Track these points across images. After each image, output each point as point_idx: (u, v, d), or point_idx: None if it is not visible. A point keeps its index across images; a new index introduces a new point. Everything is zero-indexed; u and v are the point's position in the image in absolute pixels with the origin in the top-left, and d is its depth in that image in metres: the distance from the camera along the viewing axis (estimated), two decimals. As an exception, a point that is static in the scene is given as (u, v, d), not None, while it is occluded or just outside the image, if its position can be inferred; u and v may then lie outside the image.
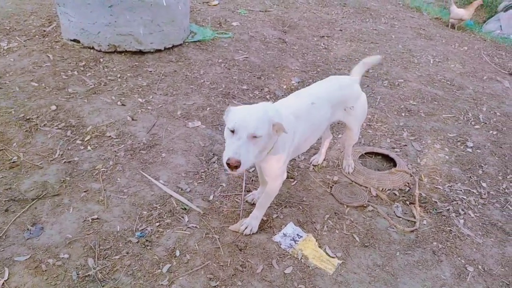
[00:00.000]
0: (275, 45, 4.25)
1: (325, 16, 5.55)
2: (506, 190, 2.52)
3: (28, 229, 1.86)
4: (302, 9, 5.72)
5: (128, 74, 3.24)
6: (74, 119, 2.63)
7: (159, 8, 3.42)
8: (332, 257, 1.88)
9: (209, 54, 3.77)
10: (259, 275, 1.77)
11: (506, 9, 8.08)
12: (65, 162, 2.27)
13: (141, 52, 3.55)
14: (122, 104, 2.84)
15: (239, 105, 1.74)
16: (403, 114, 3.31)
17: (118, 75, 3.21)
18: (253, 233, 1.95)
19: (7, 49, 3.45)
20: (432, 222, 2.17)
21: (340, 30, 5.06)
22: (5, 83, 2.93)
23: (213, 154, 2.50)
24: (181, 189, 2.20)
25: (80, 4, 3.29)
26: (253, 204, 2.11)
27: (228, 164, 1.42)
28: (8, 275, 1.65)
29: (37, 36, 3.73)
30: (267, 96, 3.24)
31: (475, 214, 2.29)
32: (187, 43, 3.88)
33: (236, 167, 1.42)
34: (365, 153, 2.69)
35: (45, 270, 1.68)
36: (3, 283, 1.62)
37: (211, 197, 2.17)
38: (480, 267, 1.94)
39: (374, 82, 3.79)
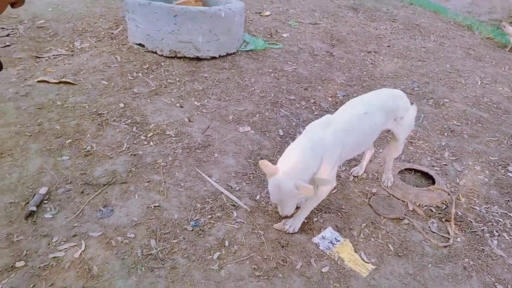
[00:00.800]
0: (323, 58, 4.43)
1: (373, 31, 5.66)
2: (545, 217, 2.56)
3: (100, 209, 2.15)
4: (351, 23, 5.86)
5: (186, 79, 3.54)
6: (139, 117, 2.93)
7: (217, 19, 3.70)
8: (367, 262, 2.04)
9: (260, 64, 4.00)
10: (298, 270, 1.95)
11: None
12: (131, 154, 2.57)
13: (198, 59, 3.84)
14: (180, 106, 3.13)
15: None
16: (445, 134, 3.38)
17: (177, 79, 3.51)
18: (294, 233, 2.14)
19: (80, 49, 3.85)
20: (465, 240, 2.27)
21: (388, 46, 5.16)
22: (80, 80, 3.29)
23: (260, 158, 2.71)
24: (231, 187, 2.43)
25: (148, 12, 3.62)
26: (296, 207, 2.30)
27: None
28: (85, 247, 1.93)
29: (106, 38, 4.12)
30: (313, 107, 3.42)
31: (510, 237, 2.36)
32: (239, 52, 4.14)
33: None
34: (405, 169, 2.81)
35: (115, 246, 1.96)
36: (80, 253, 1.90)
37: (257, 197, 2.38)
38: (510, 287, 2.03)
39: (419, 100, 3.88)
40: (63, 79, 3.24)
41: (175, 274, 1.86)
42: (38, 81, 3.18)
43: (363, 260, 2.05)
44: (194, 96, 3.30)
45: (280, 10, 5.82)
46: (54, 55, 3.68)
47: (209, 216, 2.21)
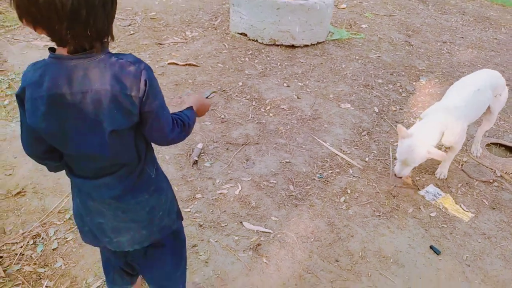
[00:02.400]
0: (402, 47, 4.81)
1: (445, 23, 5.93)
2: None
3: (245, 162, 2.73)
4: (423, 15, 6.15)
5: (286, 63, 4.06)
6: (255, 93, 3.49)
7: (313, 11, 4.19)
8: (467, 211, 2.48)
9: (346, 52, 4.46)
10: (410, 214, 2.43)
11: None
12: (257, 122, 3.13)
13: (293, 46, 4.36)
14: (287, 86, 3.66)
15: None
16: (524, 116, 3.70)
17: (278, 63, 4.04)
18: (445, 178, 2.71)
19: (192, 37, 4.48)
20: (551, 201, 2.65)
21: (462, 37, 5.43)
22: (201, 63, 3.91)
23: (362, 129, 3.19)
24: (343, 151, 2.93)
25: (253, 6, 4.18)
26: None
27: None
28: (241, 187, 2.51)
29: (210, 28, 4.73)
30: (399, 90, 3.84)
31: None
32: (327, 40, 4.61)
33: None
34: (491, 143, 3.19)
35: (263, 188, 2.52)
36: (239, 191, 2.48)
37: (366, 159, 2.87)
38: None
39: (496, 86, 4.18)
40: (188, 62, 3.87)
41: (314, 210, 2.40)
42: (169, 63, 3.83)
43: (463, 210, 2.49)
44: (296, 78, 3.82)
45: (354, 3, 6.22)
46: (172, 42, 4.33)
47: (330, 171, 2.72)
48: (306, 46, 4.41)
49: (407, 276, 2.02)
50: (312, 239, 2.18)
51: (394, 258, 2.12)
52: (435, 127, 2.42)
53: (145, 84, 0.97)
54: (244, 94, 3.47)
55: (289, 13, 4.12)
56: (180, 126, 1.14)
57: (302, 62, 4.12)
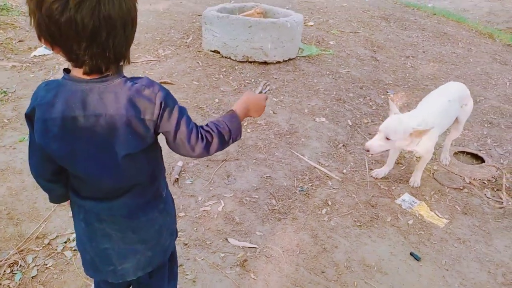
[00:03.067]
0: (369, 62, 5.01)
1: (407, 39, 6.24)
2: None
3: (226, 178, 2.74)
4: (385, 31, 6.45)
5: (259, 79, 4.14)
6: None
7: (284, 28, 4.32)
8: (441, 218, 2.59)
9: (317, 67, 4.60)
10: (389, 222, 2.51)
11: None
12: (235, 138, 3.16)
13: (265, 63, 4.45)
14: (263, 101, 3.72)
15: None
16: (485, 125, 3.93)
17: (252, 80, 4.11)
18: (418, 186, 2.84)
19: (165, 55, 4.48)
20: (516, 204, 2.81)
21: (423, 52, 5.73)
22: (175, 80, 3.92)
23: (337, 142, 3.29)
24: (321, 164, 3.00)
25: (226, 24, 4.25)
26: (376, 178, 2.87)
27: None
28: (223, 204, 2.51)
29: (182, 47, 4.76)
30: (370, 103, 4.00)
31: (551, 203, 2.89)
32: (298, 57, 4.74)
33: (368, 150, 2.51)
34: (458, 151, 3.37)
35: (246, 203, 2.54)
36: (222, 208, 2.48)
37: (344, 171, 2.95)
38: (556, 237, 2.56)
39: (458, 98, 4.43)
40: (162, 80, 3.86)
41: (297, 223, 2.43)
42: (143, 82, 3.80)
43: (438, 216, 2.60)
44: (271, 93, 3.90)
45: (321, 21, 6.44)
46: (145, 60, 4.31)
47: (310, 184, 2.78)
48: (279, 62, 4.51)
49: (391, 283, 2.08)
50: (297, 252, 2.21)
51: (378, 267, 2.18)
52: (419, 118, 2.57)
53: (160, 107, 0.97)
54: (220, 111, 3.49)
55: (261, 30, 4.22)
56: (205, 139, 1.09)
57: (275, 78, 4.21)
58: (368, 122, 3.65)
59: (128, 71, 4.03)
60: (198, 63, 4.32)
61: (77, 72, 0.94)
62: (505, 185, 2.95)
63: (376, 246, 2.32)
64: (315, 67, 4.60)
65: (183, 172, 2.75)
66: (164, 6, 6.32)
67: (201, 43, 4.79)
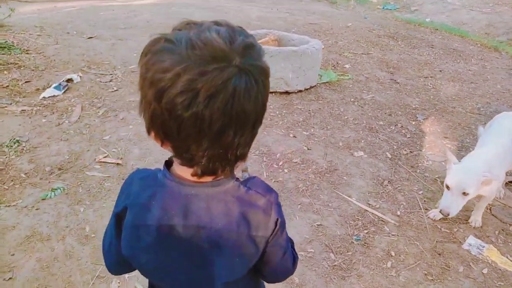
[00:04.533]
0: (390, 85, 4.85)
1: (419, 58, 6.12)
2: None
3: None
4: (396, 51, 6.33)
5: (284, 111, 3.92)
6: (264, 148, 3.29)
7: (306, 56, 4.13)
8: (516, 263, 2.36)
9: (340, 94, 4.41)
10: (462, 273, 2.27)
11: None
12: (274, 181, 2.92)
13: (287, 93, 4.25)
14: (294, 136, 3.50)
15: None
16: (525, 148, 3.74)
17: (277, 112, 3.89)
18: (480, 226, 2.60)
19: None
20: None
21: (440, 70, 5.60)
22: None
23: (382, 179, 3.06)
24: (372, 205, 2.76)
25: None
26: (435, 220, 2.64)
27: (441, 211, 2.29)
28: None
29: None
30: (403, 131, 3.80)
31: None
32: (319, 84, 4.55)
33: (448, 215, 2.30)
34: (509, 181, 3.16)
35: (302, 259, 2.27)
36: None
37: (398, 213, 2.72)
38: None
39: (487, 120, 4.26)
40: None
41: (364, 281, 2.18)
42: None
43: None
44: (300, 126, 3.68)
45: (330, 43, 6.30)
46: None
47: (366, 231, 2.53)
48: (300, 91, 4.31)
49: None
50: (374, 319, 1.95)
51: (467, 332, 1.92)
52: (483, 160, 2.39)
53: (276, 221, 0.82)
54: (252, 150, 3.24)
55: (282, 60, 4.03)
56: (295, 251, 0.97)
57: (300, 109, 4.00)
58: (407, 153, 3.44)
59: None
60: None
61: (183, 172, 0.77)
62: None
63: (458, 305, 2.07)
64: (338, 94, 4.41)
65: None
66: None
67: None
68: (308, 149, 3.34)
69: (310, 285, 2.12)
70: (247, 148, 0.75)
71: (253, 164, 3.07)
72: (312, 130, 3.63)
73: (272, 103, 4.05)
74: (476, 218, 2.66)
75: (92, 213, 2.49)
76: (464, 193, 2.27)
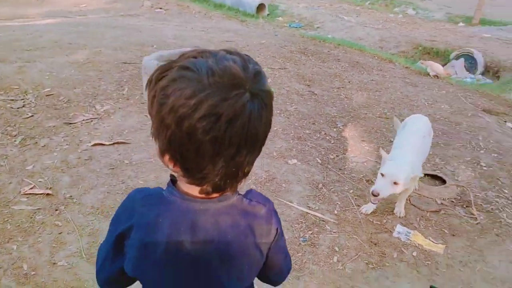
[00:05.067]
0: (309, 96, 5.22)
1: (329, 71, 6.67)
2: (521, 194, 3.52)
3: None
4: (308, 65, 6.82)
5: (216, 126, 4.01)
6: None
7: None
8: (437, 244, 2.72)
9: (266, 107, 4.63)
10: (397, 258, 2.55)
11: (457, 57, 9.77)
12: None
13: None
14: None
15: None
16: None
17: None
18: (403, 216, 2.90)
19: (105, 111, 4.10)
20: (486, 217, 3.09)
21: (349, 81, 6.17)
22: (130, 139, 3.58)
23: (316, 183, 3.29)
24: (311, 208, 2.96)
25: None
26: (367, 214, 2.92)
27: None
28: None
29: (121, 100, 4.41)
30: (327, 138, 4.12)
31: (508, 208, 3.24)
32: (245, 99, 4.73)
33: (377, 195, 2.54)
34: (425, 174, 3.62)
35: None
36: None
37: (335, 212, 2.95)
38: (528, 242, 2.85)
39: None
40: (115, 141, 3.50)
41: (316, 278, 2.33)
42: (94, 145, 3.40)
43: (434, 243, 2.72)
44: (233, 140, 3.78)
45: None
46: (84, 120, 3.88)
47: (310, 232, 2.71)
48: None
49: (429, 323, 2.09)
50: (331, 311, 2.10)
51: (410, 308, 2.17)
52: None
53: (276, 229, 0.92)
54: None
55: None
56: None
57: (231, 123, 4.11)
58: (334, 158, 3.74)
59: (69, 134, 3.58)
60: (147, 116, 4.02)
61: (191, 189, 0.81)
62: (473, 201, 3.23)
63: (398, 287, 2.32)
64: (264, 107, 4.62)
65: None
66: (82, 56, 5.83)
67: (141, 93, 4.50)
68: (245, 161, 3.45)
69: (268, 290, 2.20)
70: (252, 165, 0.82)
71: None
72: (246, 143, 3.76)
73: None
74: (400, 209, 3.00)
75: (28, 250, 2.29)
76: (395, 183, 2.56)
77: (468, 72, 9.40)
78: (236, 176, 0.78)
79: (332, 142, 4.06)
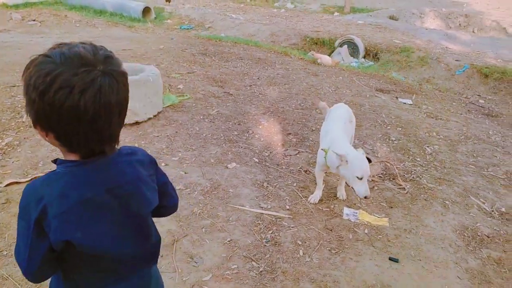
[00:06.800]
0: (226, 97, 5.23)
1: (236, 69, 6.77)
2: (431, 157, 4.05)
3: (191, 260, 2.43)
4: (215, 66, 6.82)
5: (143, 142, 3.79)
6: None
7: (149, 83, 4.08)
8: (381, 218, 2.99)
9: (188, 114, 4.52)
10: (353, 239, 2.74)
11: (341, 44, 10.70)
12: (168, 213, 2.82)
13: (137, 123, 4.10)
14: (166, 164, 3.43)
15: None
16: (344, 129, 4.68)
17: (136, 144, 3.73)
18: (346, 198, 3.11)
19: (8, 144, 3.59)
20: (411, 185, 3.49)
21: (258, 78, 6.34)
22: (47, 171, 3.17)
23: (261, 182, 3.34)
24: (264, 208, 3.00)
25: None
26: (316, 204, 3.07)
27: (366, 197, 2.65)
28: (211, 289, 2.24)
29: (22, 128, 3.90)
30: (256, 136, 4.20)
31: (425, 174, 3.71)
32: (164, 108, 4.55)
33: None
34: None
35: (230, 278, 2.32)
36: (213, 295, 2.21)
37: (287, 207, 3.04)
38: (448, 202, 3.30)
39: (311, 110, 5.11)
40: (33, 176, 3.08)
41: (289, 275, 2.39)
42: (8, 185, 2.95)
43: (379, 217, 2.99)
44: (166, 154, 3.62)
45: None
46: (-15, 157, 3.33)
47: (270, 232, 2.75)
48: (150, 119, 4.22)
49: (398, 291, 2.30)
50: (314, 303, 2.18)
51: (379, 282, 2.36)
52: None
53: (152, 161, 1.17)
54: (130, 189, 3.04)
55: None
56: None
57: (157, 136, 3.93)
58: (268, 155, 3.83)
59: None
60: (62, 142, 3.62)
61: (74, 157, 0.98)
62: (398, 173, 3.61)
63: (362, 265, 2.50)
64: (186, 114, 4.51)
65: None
66: (-44, 82, 4.97)
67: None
68: (185, 173, 3.34)
69: (250, 298, 2.19)
70: (117, 133, 1.00)
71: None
72: (180, 154, 3.63)
73: (127, 136, 3.84)
74: (341, 192, 3.22)
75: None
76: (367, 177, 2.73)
77: (352, 58, 10.40)
78: (101, 140, 0.96)
79: (262, 139, 4.15)
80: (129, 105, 3.39)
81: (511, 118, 6.38)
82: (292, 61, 8.04)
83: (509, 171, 3.93)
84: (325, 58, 8.28)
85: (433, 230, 2.88)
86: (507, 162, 4.13)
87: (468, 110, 6.47)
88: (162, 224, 2.69)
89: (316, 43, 11.11)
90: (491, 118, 6.19)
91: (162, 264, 2.37)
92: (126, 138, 3.80)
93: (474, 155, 4.25)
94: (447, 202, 3.26)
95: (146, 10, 13.46)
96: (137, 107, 4.01)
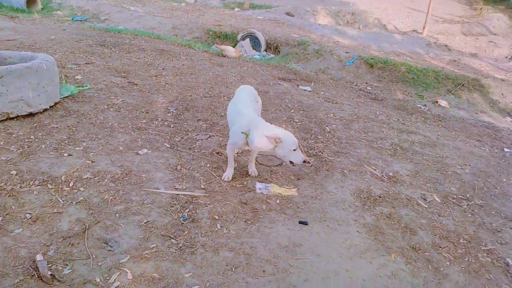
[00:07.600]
0: (131, 87, 5.06)
1: (139, 60, 6.56)
2: (330, 135, 4.43)
3: (106, 245, 2.36)
4: (115, 57, 6.52)
5: (40, 134, 3.50)
6: (41, 176, 2.90)
7: (42, 72, 3.77)
8: (290, 189, 3.21)
9: (90, 104, 4.28)
10: (267, 209, 2.91)
11: (243, 38, 11.00)
12: (76, 203, 2.68)
13: (31, 115, 3.76)
14: (69, 155, 3.22)
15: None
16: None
17: (33, 137, 3.43)
18: (257, 174, 3.27)
19: None
20: (315, 159, 3.80)
21: (163, 69, 6.23)
22: None
23: (174, 165, 3.34)
24: (179, 189, 3.01)
25: (-38, 79, 3.30)
26: (229, 181, 3.18)
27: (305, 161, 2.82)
28: (128, 271, 2.20)
29: None
30: (165, 123, 4.16)
31: (326, 149, 4.06)
32: (62, 99, 4.24)
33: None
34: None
35: (150, 257, 2.31)
36: (131, 276, 2.18)
37: (202, 186, 3.09)
38: (346, 171, 3.67)
39: (219, 98, 5.20)
40: None
41: (208, 246, 2.46)
42: None
43: (288, 188, 3.21)
44: (68, 144, 3.40)
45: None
46: None
47: (187, 210, 2.79)
48: (46, 110, 3.90)
49: (310, 248, 2.52)
50: (232, 270, 2.28)
51: (292, 243, 2.56)
52: None
53: None
54: (29, 182, 2.81)
55: (16, 79, 3.52)
56: None
57: (57, 128, 3.65)
58: (180, 140, 3.83)
59: None
60: None
61: None
62: (302, 150, 3.89)
63: (276, 231, 2.67)
64: (88, 104, 4.26)
65: (52, 264, 2.15)
66: None
67: None
68: (92, 162, 3.18)
69: (169, 273, 2.21)
70: None
71: (38, 198, 2.68)
72: (85, 144, 3.44)
73: (20, 129, 3.51)
74: (252, 169, 3.37)
75: None
76: None
77: (255, 51, 10.76)
78: None
79: (172, 126, 4.12)
80: (20, 95, 3.30)
81: (393, 101, 7.27)
82: (196, 53, 8.05)
83: (394, 143, 4.50)
84: (228, 51, 8.43)
85: (335, 195, 3.19)
86: (392, 136, 4.73)
87: (359, 96, 7.19)
88: (69, 214, 2.54)
89: (219, 37, 11.25)
90: (377, 102, 6.97)
91: (74, 252, 2.26)
92: (20, 131, 3.48)
93: (365, 131, 4.77)
94: (345, 171, 3.63)
95: (31, 1, 12.23)
96: (30, 96, 3.68)
